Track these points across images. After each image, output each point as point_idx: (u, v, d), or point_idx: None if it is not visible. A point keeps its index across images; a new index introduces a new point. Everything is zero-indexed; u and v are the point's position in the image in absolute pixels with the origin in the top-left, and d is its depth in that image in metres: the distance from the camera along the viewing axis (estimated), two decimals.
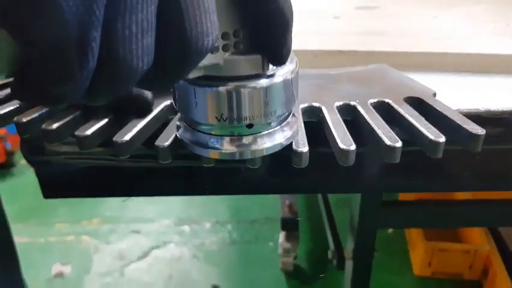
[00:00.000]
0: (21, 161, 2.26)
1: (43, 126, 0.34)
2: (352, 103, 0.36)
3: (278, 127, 0.30)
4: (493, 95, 0.44)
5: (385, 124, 0.33)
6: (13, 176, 2.17)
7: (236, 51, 0.27)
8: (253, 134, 0.29)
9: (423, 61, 0.50)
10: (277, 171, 0.41)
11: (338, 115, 0.35)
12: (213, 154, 0.29)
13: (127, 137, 0.32)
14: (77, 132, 0.32)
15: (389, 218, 0.78)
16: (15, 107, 0.36)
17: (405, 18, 0.66)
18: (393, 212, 0.79)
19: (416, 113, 0.34)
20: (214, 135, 0.29)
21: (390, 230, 1.64)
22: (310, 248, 1.66)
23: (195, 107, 0.28)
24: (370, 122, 0.33)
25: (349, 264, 0.84)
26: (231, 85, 0.27)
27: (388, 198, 0.81)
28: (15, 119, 0.35)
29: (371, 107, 0.36)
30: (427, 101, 0.37)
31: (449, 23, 0.64)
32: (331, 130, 0.32)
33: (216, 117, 0.28)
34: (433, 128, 0.32)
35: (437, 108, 0.35)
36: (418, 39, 0.55)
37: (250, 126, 0.28)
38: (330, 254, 1.02)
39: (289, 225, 1.47)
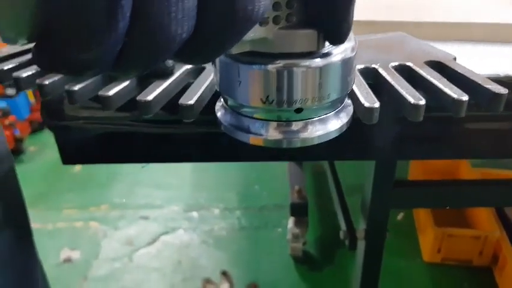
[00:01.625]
0: (30, 148, 2.27)
1: (66, 87, 0.34)
2: (373, 66, 0.36)
3: (333, 112, 0.26)
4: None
5: (408, 84, 0.33)
6: (22, 162, 2.19)
7: (288, 24, 0.23)
8: (303, 119, 0.25)
9: (438, 31, 0.50)
10: None
11: (360, 77, 0.35)
12: (256, 140, 0.26)
13: (150, 97, 0.32)
14: (100, 93, 0.33)
15: (402, 198, 0.78)
16: (37, 70, 0.37)
17: None
18: (406, 191, 0.78)
19: (437, 75, 0.34)
20: (259, 119, 0.25)
21: (399, 217, 1.64)
22: (319, 233, 1.66)
23: (238, 87, 0.24)
24: (392, 82, 0.33)
25: (361, 244, 0.84)
26: (281, 63, 0.23)
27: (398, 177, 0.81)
28: (37, 81, 0.35)
29: (393, 70, 0.36)
30: (448, 64, 0.37)
31: None
32: (353, 90, 0.32)
33: (262, 100, 0.24)
34: (456, 88, 0.32)
35: (458, 71, 0.35)
36: (432, 9, 0.55)
37: (299, 111, 0.25)
38: (341, 235, 1.02)
39: (298, 211, 1.47)
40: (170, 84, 0.34)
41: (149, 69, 0.19)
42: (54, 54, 0.17)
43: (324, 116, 0.26)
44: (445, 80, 0.33)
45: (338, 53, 0.24)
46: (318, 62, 0.23)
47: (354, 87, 0.33)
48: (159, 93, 0.33)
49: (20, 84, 0.36)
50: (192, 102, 0.31)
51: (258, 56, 0.23)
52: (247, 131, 0.26)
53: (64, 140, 0.42)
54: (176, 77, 0.36)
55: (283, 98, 0.24)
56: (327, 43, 0.24)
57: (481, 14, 0.52)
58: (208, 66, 0.37)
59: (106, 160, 0.43)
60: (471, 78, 0.34)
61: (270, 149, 0.44)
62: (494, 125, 0.41)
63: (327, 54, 0.24)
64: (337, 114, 0.27)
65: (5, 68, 0.37)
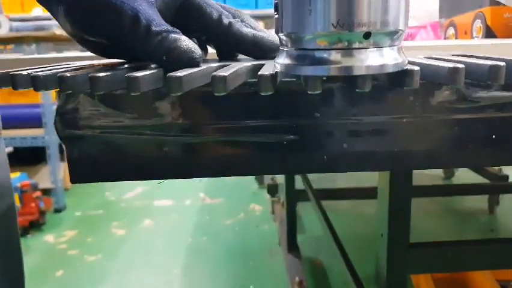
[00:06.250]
0: None
1: (90, 74, 0.33)
2: None
3: (395, 47, 0.28)
4: None
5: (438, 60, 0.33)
6: None
7: None
8: (364, 48, 0.26)
9: None
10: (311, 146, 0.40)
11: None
12: (334, 70, 0.27)
13: (181, 74, 0.31)
14: (127, 74, 0.32)
15: (419, 260, 0.75)
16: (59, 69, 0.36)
17: None
18: (423, 253, 0.75)
19: (465, 56, 0.34)
20: (323, 49, 0.27)
21: None
22: None
23: (308, 17, 0.26)
24: (419, 61, 0.33)
25: None
26: None
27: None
28: (58, 74, 0.34)
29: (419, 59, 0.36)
30: (473, 54, 0.37)
31: None
32: (422, 62, 0.31)
33: (333, 24, 0.25)
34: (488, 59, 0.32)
35: (487, 55, 0.35)
36: None
37: (367, 35, 0.26)
38: None
39: None
40: (199, 69, 0.34)
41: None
42: None
43: (384, 48, 0.27)
44: (475, 57, 0.33)
45: None
46: None
47: (422, 60, 0.32)
48: (190, 73, 0.32)
49: (37, 84, 0.35)
50: (225, 74, 0.30)
51: None
52: (313, 62, 0.27)
53: (76, 152, 0.39)
54: (204, 68, 0.35)
55: (354, 21, 0.25)
56: None
57: None
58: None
59: (121, 177, 0.40)
60: (503, 57, 0.34)
61: (276, 160, 0.41)
62: None
63: None
64: (397, 49, 0.28)
65: (24, 73, 0.36)
